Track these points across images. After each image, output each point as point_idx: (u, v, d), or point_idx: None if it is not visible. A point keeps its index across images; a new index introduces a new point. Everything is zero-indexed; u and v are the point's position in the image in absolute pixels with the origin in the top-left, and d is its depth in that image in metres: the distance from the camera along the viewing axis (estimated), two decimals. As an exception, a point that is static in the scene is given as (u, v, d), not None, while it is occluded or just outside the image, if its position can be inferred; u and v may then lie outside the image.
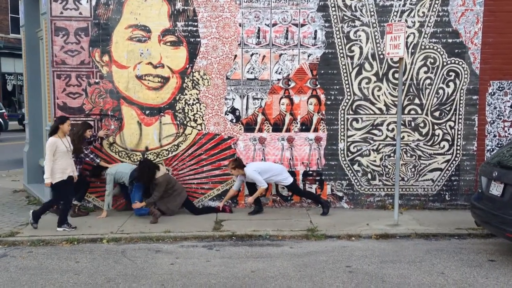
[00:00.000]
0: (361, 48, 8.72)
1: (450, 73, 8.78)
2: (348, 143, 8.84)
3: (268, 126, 8.81)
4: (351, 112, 8.80)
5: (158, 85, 8.65)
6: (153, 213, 7.96)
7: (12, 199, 9.67)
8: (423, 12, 8.68)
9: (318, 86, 8.77)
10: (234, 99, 8.75)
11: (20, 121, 25.71)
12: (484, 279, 5.73)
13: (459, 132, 8.86)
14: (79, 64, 8.55)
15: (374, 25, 8.69)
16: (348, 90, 8.77)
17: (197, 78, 8.67)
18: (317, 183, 8.87)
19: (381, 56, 8.70)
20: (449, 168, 8.90)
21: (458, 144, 8.88)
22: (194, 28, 8.59)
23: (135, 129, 8.65)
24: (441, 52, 8.74)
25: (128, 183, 8.23)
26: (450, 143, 8.88)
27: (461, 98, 8.82)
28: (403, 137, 8.75)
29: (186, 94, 8.69)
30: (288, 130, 8.84)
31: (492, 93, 8.84)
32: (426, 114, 8.83)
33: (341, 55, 8.72)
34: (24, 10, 10.16)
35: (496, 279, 5.73)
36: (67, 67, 8.55)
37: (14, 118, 27.52)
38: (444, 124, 8.85)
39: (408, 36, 8.63)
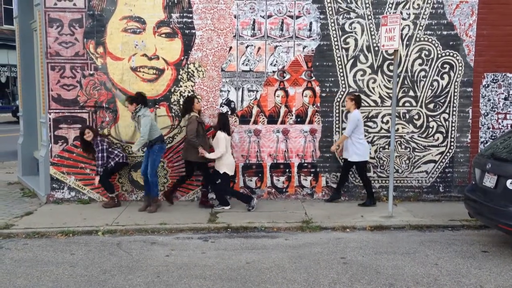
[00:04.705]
0: (356, 40, 8.72)
1: (445, 66, 8.80)
2: (343, 135, 8.85)
3: (263, 118, 8.82)
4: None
5: (153, 77, 8.62)
6: (156, 202, 8.10)
7: (6, 191, 9.64)
8: (418, 4, 8.68)
9: (313, 78, 8.77)
10: (229, 91, 8.73)
11: (14, 113, 25.58)
12: (477, 270, 5.79)
13: (453, 124, 8.90)
14: (73, 56, 8.51)
15: (369, 17, 8.68)
16: (343, 82, 8.77)
17: (192, 70, 8.65)
18: (312, 175, 8.89)
19: (376, 48, 8.70)
20: (443, 160, 8.95)
21: (452, 136, 8.92)
22: (189, 20, 8.56)
23: (130, 121, 8.58)
24: (436, 44, 8.75)
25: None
26: (444, 135, 8.92)
27: (456, 90, 8.85)
28: (398, 129, 8.79)
29: (181, 86, 8.67)
30: (283, 122, 8.84)
31: (486, 85, 8.87)
32: (421, 106, 8.86)
33: (336, 47, 8.72)
34: (17, 1, 10.08)
35: (489, 270, 5.79)
36: (61, 59, 8.50)
37: (8, 110, 27.39)
38: (438, 116, 8.88)
39: (403, 28, 8.64)
